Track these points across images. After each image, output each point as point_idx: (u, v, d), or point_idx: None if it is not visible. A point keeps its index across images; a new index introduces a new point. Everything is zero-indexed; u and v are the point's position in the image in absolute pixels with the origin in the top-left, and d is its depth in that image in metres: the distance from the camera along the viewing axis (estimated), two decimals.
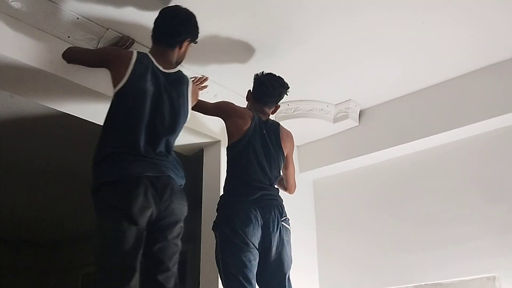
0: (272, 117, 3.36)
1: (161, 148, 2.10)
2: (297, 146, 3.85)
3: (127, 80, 2.09)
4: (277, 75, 2.72)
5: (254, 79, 2.75)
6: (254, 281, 2.36)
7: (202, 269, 3.04)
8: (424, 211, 3.21)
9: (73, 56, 2.35)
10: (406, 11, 2.57)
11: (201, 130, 3.11)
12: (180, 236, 2.12)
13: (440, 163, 3.24)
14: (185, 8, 2.29)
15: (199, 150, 3.35)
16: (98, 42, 2.62)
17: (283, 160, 2.67)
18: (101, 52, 2.41)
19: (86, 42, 2.59)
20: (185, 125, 2.94)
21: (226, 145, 2.63)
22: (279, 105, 2.82)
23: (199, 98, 2.80)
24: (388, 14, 2.59)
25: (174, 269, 2.04)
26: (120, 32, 2.62)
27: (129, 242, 1.89)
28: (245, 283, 2.31)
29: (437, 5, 2.54)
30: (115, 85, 2.11)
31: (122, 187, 1.96)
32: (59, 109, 2.80)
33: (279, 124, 2.76)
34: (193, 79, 2.83)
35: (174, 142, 2.21)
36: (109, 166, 2.00)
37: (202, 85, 2.92)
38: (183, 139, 3.20)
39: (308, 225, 3.72)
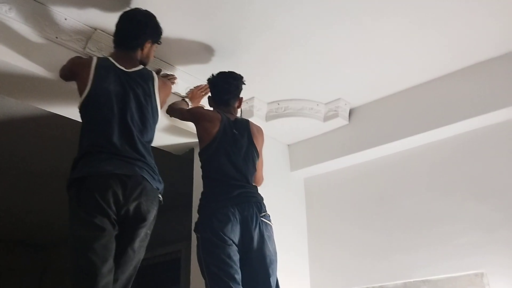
0: (261, 116, 3.44)
1: (139, 147, 2.11)
2: (288, 145, 3.89)
3: (91, 85, 2.12)
4: (227, 71, 2.77)
5: (208, 84, 2.82)
6: (237, 277, 2.36)
7: (192, 268, 3.05)
8: (413, 209, 3.22)
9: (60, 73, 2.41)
10: (393, 10, 2.59)
11: (191, 130, 3.11)
12: (145, 242, 2.08)
13: (429, 161, 3.26)
14: (144, 10, 2.31)
15: (189, 149, 3.37)
16: (86, 43, 2.63)
17: (257, 156, 2.70)
18: (68, 65, 2.37)
19: (74, 43, 2.61)
20: (175, 125, 3.03)
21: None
22: (242, 97, 2.86)
23: (185, 104, 2.88)
24: (375, 13, 2.61)
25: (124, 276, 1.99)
26: (107, 33, 2.64)
27: (95, 240, 1.88)
28: (227, 280, 2.32)
29: (423, 4, 2.55)
30: (81, 93, 2.14)
31: (89, 184, 1.97)
32: (50, 110, 2.82)
33: (248, 121, 2.79)
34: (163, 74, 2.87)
35: (150, 140, 2.22)
36: (83, 164, 2.03)
37: (200, 91, 2.98)
38: (173, 139, 3.23)
39: (299, 223, 3.73)
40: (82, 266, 1.85)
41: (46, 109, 2.81)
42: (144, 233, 2.04)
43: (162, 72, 2.91)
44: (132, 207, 1.99)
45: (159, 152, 3.37)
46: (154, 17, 2.32)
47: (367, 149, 3.43)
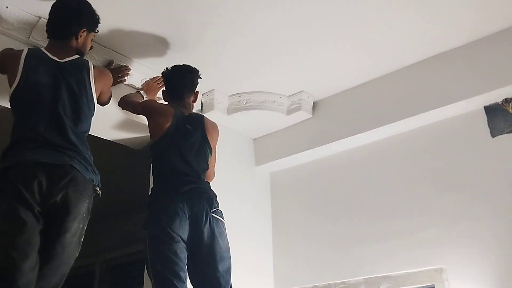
0: (222, 109, 3.36)
1: (71, 136, 2.02)
2: (253, 139, 3.81)
3: (20, 77, 2.04)
4: (181, 64, 2.69)
5: (162, 77, 2.74)
6: (183, 275, 2.28)
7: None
8: (376, 203, 3.17)
9: None
10: None
11: (145, 123, 3.04)
12: (77, 238, 1.95)
13: (392, 154, 3.20)
14: None
15: (148, 143, 3.28)
16: (31, 32, 2.53)
17: (210, 152, 2.63)
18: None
19: (17, 32, 2.51)
20: (133, 119, 2.94)
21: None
22: (198, 91, 2.79)
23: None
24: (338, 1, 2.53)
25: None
26: None
27: (16, 234, 1.79)
28: (171, 278, 2.24)
29: None
30: (11, 85, 2.06)
31: (13, 174, 1.88)
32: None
33: (203, 116, 2.73)
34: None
35: (85, 131, 2.13)
36: (9, 153, 1.96)
37: (156, 83, 2.91)
38: (130, 133, 3.15)
39: (264, 218, 3.67)
40: (0, 262, 1.76)
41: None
42: (75, 227, 1.93)
43: (115, 64, 2.82)
44: (59, 198, 1.89)
45: (117, 147, 3.30)
46: (89, 4, 2.22)
47: (332, 142, 3.37)
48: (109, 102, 2.51)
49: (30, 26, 2.52)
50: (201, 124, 2.64)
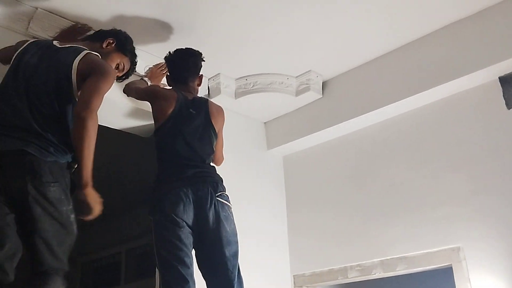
0: (230, 93, 3.31)
1: (30, 120, 1.93)
2: (264, 123, 3.75)
3: (14, 59, 2.07)
4: (184, 47, 2.64)
5: (165, 62, 2.70)
6: (188, 261, 2.26)
7: None
8: (389, 182, 3.07)
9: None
10: None
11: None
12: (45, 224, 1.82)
13: (404, 131, 3.10)
14: None
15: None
16: (29, 23, 2.52)
17: (216, 136, 2.58)
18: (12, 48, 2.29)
19: (15, 23, 2.50)
20: (139, 107, 2.92)
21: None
22: (202, 75, 2.73)
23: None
24: None
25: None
26: (49, 11, 2.53)
27: None
28: (176, 264, 2.22)
29: None
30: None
31: None
32: None
33: (207, 100, 2.68)
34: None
35: (46, 111, 1.99)
36: None
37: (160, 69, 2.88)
38: (138, 121, 3.13)
39: (278, 202, 3.63)
40: None
41: None
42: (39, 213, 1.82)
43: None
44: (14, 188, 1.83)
45: (126, 135, 3.29)
46: None
47: (344, 122, 3.27)
48: None
49: (28, 17, 2.51)
50: (205, 108, 2.59)
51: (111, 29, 2.46)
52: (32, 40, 2.18)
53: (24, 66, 2.04)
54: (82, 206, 1.89)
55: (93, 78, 2.01)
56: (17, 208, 1.82)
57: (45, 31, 2.56)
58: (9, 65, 2.10)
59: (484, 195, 2.66)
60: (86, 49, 2.15)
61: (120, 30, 2.46)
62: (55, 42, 2.19)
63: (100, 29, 2.51)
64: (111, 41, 2.36)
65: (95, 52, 2.17)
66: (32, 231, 1.80)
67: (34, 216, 1.80)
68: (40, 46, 2.13)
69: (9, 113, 1.95)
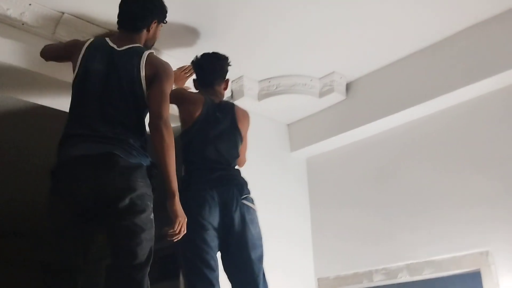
0: (253, 95, 3.31)
1: (116, 126, 2.01)
2: (287, 125, 3.74)
3: (79, 66, 2.09)
4: (211, 51, 2.64)
5: (192, 66, 2.70)
6: (213, 264, 2.27)
7: None
8: (415, 184, 3.04)
9: (45, 54, 2.39)
10: None
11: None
12: (137, 218, 1.92)
13: (430, 133, 3.05)
14: None
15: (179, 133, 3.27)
16: (55, 28, 2.56)
17: (241, 140, 2.58)
18: (63, 46, 2.39)
19: (42, 29, 2.53)
20: None
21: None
22: (228, 79, 2.73)
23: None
24: None
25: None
26: (76, 16, 2.55)
27: (63, 227, 1.88)
28: (201, 267, 2.22)
29: None
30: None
31: (62, 171, 1.95)
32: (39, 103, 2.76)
33: (233, 104, 2.68)
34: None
35: (131, 117, 2.06)
36: (59, 149, 2.00)
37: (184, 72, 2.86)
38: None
39: (302, 204, 3.61)
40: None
41: (35, 102, 2.75)
42: (129, 204, 1.95)
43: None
44: (99, 185, 1.94)
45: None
46: None
47: (367, 124, 3.24)
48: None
49: (54, 22, 2.54)
50: (231, 112, 2.60)
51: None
52: (87, 44, 2.16)
53: (94, 75, 2.07)
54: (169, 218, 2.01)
55: (157, 84, 2.08)
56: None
57: (71, 36, 2.57)
58: (75, 72, 2.12)
59: None
60: (144, 48, 2.20)
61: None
62: (110, 43, 2.18)
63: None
64: (155, 23, 2.30)
65: (145, 40, 2.23)
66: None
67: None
68: (99, 50, 2.14)
69: (91, 121, 2.01)
